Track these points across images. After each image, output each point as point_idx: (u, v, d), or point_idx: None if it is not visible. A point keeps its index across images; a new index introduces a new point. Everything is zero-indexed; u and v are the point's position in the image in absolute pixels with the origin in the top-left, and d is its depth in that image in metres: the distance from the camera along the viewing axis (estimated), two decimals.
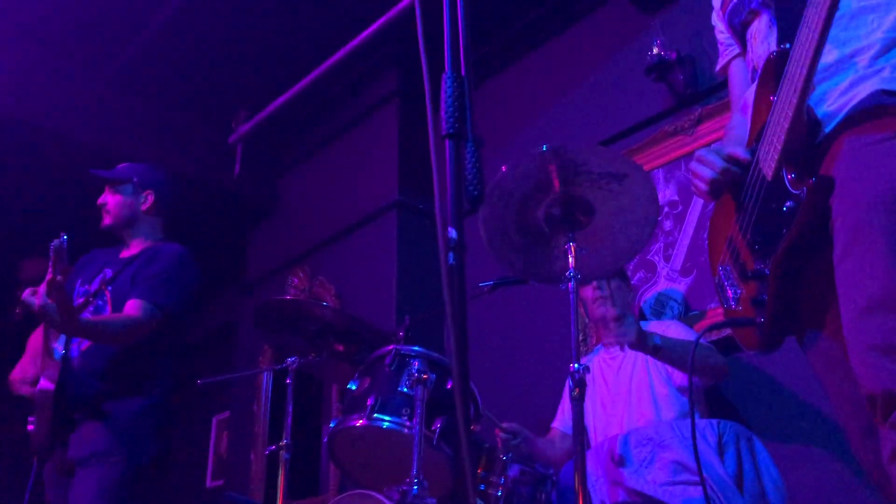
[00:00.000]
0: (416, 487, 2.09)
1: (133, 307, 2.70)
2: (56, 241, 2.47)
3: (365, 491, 2.02)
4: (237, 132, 5.00)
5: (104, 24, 4.43)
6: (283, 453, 2.63)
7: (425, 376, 2.28)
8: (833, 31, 1.31)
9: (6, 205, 5.35)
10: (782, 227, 1.47)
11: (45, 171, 5.02)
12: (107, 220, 3.02)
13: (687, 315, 3.23)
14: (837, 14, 1.29)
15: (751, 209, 1.58)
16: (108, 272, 2.93)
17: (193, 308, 2.91)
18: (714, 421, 2.16)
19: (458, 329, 1.11)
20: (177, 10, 4.30)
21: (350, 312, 2.72)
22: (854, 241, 1.26)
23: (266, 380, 5.07)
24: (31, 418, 2.67)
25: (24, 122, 4.58)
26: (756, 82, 1.59)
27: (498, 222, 2.18)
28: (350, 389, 2.47)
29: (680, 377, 2.62)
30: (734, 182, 1.63)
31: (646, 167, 3.39)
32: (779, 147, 1.47)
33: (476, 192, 1.18)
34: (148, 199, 3.01)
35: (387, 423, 2.28)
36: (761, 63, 1.56)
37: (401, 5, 4.05)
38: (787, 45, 1.43)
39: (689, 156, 3.34)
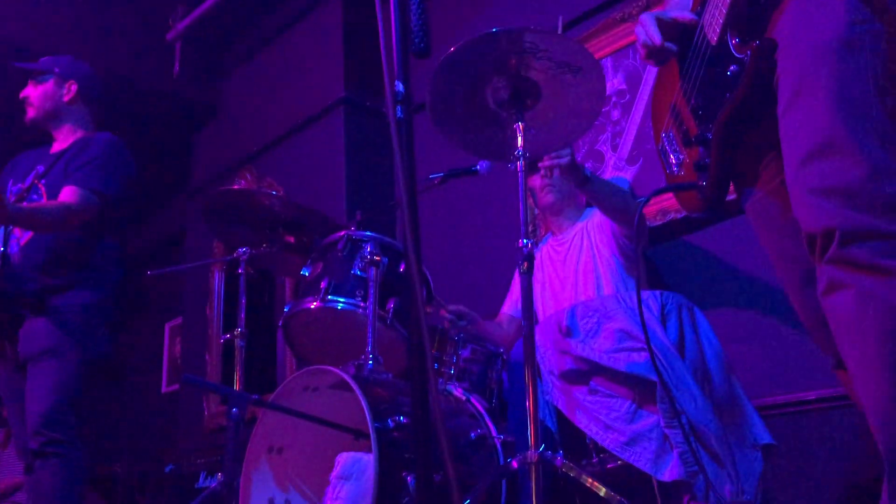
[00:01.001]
0: (371, 363, 2.14)
1: (68, 194, 2.66)
2: None
3: (322, 367, 2.07)
4: (175, 29, 4.81)
5: None
6: (237, 341, 2.66)
7: (378, 258, 2.31)
8: None
9: None
10: (726, 91, 1.50)
11: None
12: (30, 113, 2.96)
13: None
14: None
15: (695, 75, 1.60)
16: (41, 168, 2.87)
17: (131, 195, 2.87)
18: (657, 292, 2.24)
19: (409, 185, 1.12)
20: None
21: (299, 202, 2.70)
22: (798, 91, 1.29)
23: (218, 281, 5.06)
24: None
25: None
26: None
27: (446, 95, 2.17)
28: (303, 275, 2.49)
29: (622, 244, 2.70)
30: (679, 48, 1.64)
31: (595, 56, 3.38)
32: (724, 10, 1.48)
33: (422, 45, 1.17)
34: (71, 90, 2.95)
35: (341, 305, 2.32)
36: None
37: None
38: None
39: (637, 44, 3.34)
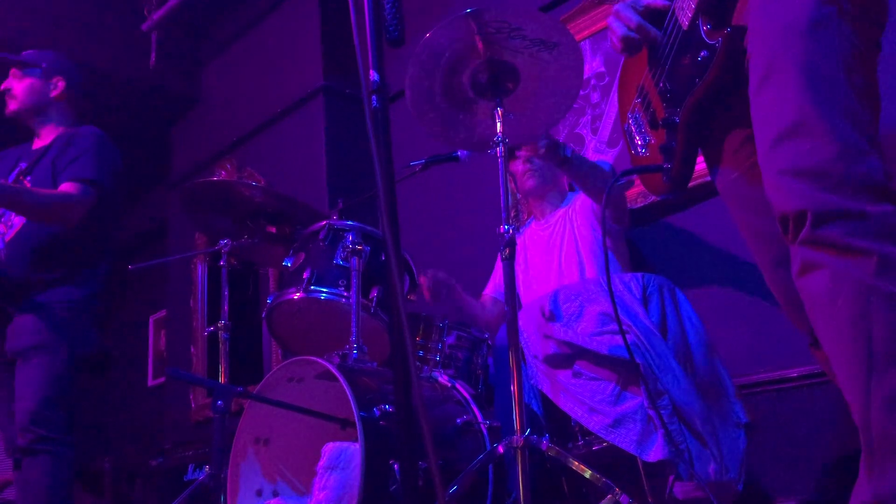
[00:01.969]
0: (355, 352, 2.15)
1: (67, 187, 2.65)
2: None
3: (306, 357, 2.07)
4: (150, 19, 4.75)
5: None
6: (221, 334, 2.65)
7: (360, 247, 2.31)
8: None
9: None
10: (695, 76, 1.50)
11: None
12: (12, 106, 2.92)
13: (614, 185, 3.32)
14: None
15: (665, 58, 1.60)
16: (23, 164, 2.85)
17: (121, 189, 2.86)
18: (639, 274, 2.25)
19: (386, 176, 1.12)
20: None
21: (280, 192, 2.69)
22: (768, 72, 1.29)
23: (201, 274, 5.04)
24: None
25: None
26: None
27: (425, 93, 2.16)
28: (285, 266, 2.48)
29: (602, 235, 2.72)
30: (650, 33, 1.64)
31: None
32: None
33: (396, 33, 1.17)
34: (58, 86, 2.92)
35: (324, 295, 2.32)
36: None
37: None
38: None
39: None
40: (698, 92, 1.49)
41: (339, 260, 2.35)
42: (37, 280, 2.66)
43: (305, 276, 2.33)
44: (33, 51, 3.00)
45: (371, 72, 1.15)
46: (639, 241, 3.12)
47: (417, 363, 2.44)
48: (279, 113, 4.68)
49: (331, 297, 2.31)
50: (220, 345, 2.65)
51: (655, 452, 1.96)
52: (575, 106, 3.42)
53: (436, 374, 2.37)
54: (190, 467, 3.73)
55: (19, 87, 2.89)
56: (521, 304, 2.76)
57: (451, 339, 2.53)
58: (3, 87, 2.91)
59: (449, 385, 2.31)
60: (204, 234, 4.69)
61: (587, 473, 1.83)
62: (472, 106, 2.23)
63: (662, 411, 1.96)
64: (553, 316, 2.16)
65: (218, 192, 2.69)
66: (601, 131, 3.44)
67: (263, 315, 2.46)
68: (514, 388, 1.86)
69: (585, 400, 2.07)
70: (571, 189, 3.26)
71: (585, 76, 3.42)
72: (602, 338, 2.09)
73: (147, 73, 4.91)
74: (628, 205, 3.10)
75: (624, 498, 1.76)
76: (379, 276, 2.38)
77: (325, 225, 2.43)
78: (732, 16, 1.45)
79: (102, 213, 2.75)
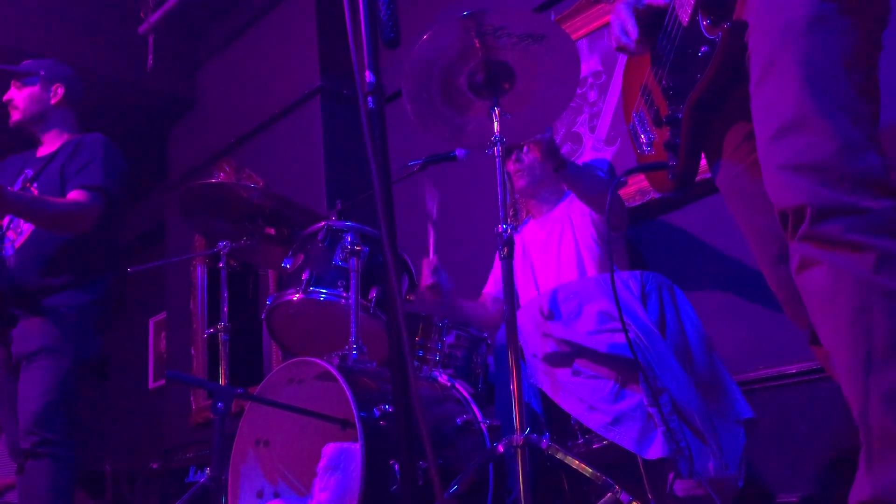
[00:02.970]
0: (355, 353, 2.15)
1: (78, 195, 2.67)
2: None
3: (306, 358, 2.07)
4: (147, 22, 4.75)
5: None
6: (221, 335, 2.65)
7: (358, 248, 2.31)
8: None
9: None
10: (696, 72, 1.50)
11: None
12: (15, 116, 2.95)
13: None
14: None
15: (666, 55, 1.60)
16: (29, 171, 2.87)
17: (127, 196, 2.88)
18: (637, 272, 2.25)
19: (382, 178, 1.12)
20: None
21: (278, 193, 2.69)
22: (769, 68, 1.29)
23: (200, 276, 5.04)
24: None
25: None
26: None
27: (423, 95, 2.17)
28: (284, 267, 2.48)
29: (601, 228, 2.72)
30: (651, 30, 1.64)
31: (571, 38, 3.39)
32: None
33: (392, 35, 1.17)
34: (58, 93, 2.96)
35: (324, 296, 2.32)
36: None
37: None
38: None
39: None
40: (700, 88, 1.49)
41: (338, 261, 2.35)
42: (46, 285, 2.69)
43: (304, 277, 2.33)
44: (31, 60, 3.04)
45: (367, 73, 1.16)
46: (636, 238, 3.12)
47: (417, 363, 2.44)
48: (277, 114, 4.68)
49: (330, 297, 2.31)
50: (220, 346, 2.66)
51: (655, 450, 1.96)
52: (572, 105, 3.42)
53: (435, 373, 2.38)
54: (191, 469, 3.74)
55: (20, 97, 2.93)
56: (522, 303, 2.77)
57: (450, 339, 2.54)
58: (4, 98, 2.95)
59: (448, 384, 2.31)
60: (203, 237, 4.69)
61: (587, 472, 1.83)
62: (472, 107, 2.23)
63: (662, 409, 1.96)
64: (552, 314, 2.16)
65: (215, 194, 2.69)
66: (599, 129, 3.44)
67: (263, 316, 2.46)
68: (513, 386, 1.86)
69: (585, 398, 2.07)
70: None
71: (583, 75, 3.43)
72: (601, 336, 2.09)
73: (144, 75, 4.91)
74: (626, 203, 3.11)
75: (624, 496, 1.77)
76: (378, 276, 2.39)
77: (323, 226, 2.43)
78: (733, 11, 1.45)
79: (109, 218, 2.77)
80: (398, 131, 3.08)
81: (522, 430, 1.84)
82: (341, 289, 2.31)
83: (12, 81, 2.97)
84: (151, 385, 6.04)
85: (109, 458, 5.14)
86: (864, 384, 1.14)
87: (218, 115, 5.21)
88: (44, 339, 2.63)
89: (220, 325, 2.66)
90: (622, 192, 3.13)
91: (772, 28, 1.31)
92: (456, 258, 3.77)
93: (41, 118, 2.94)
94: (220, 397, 1.96)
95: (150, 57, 4.73)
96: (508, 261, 2.01)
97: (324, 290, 2.32)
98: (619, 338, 2.07)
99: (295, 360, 2.12)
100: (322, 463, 1.99)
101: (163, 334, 5.85)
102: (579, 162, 3.46)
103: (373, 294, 2.34)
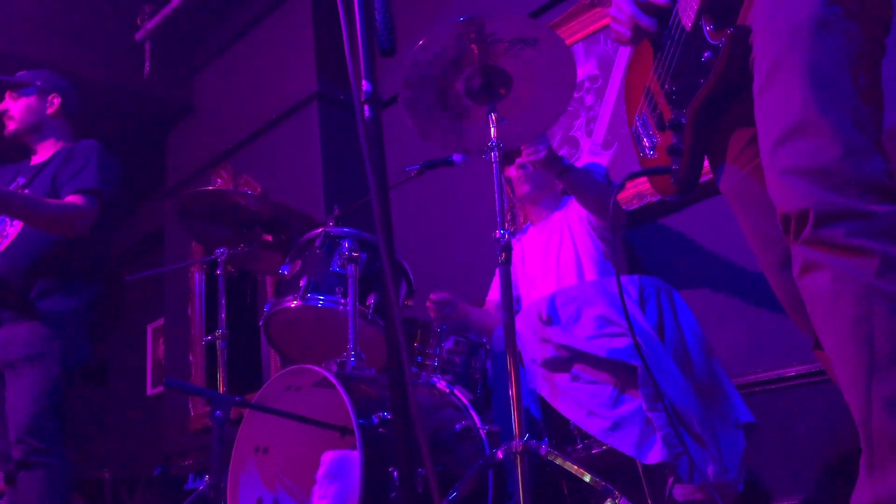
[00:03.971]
0: (353, 359, 2.14)
1: (74, 199, 2.67)
2: None
3: (304, 366, 2.06)
4: (144, 28, 4.75)
5: None
6: (219, 343, 2.65)
7: (356, 254, 2.31)
8: None
9: None
10: (700, 77, 1.50)
11: None
12: (11, 127, 2.96)
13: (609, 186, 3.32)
14: None
15: (669, 59, 1.60)
16: (21, 179, 2.87)
17: (121, 200, 2.87)
18: (635, 277, 2.25)
19: (379, 188, 1.12)
20: None
21: (275, 200, 2.69)
22: (773, 71, 1.29)
23: (198, 282, 5.03)
24: None
25: None
26: None
27: (420, 102, 2.17)
28: (282, 274, 2.48)
29: (599, 233, 2.72)
30: (653, 30, 1.64)
31: (566, 42, 3.39)
32: None
33: (388, 43, 1.17)
34: (54, 103, 2.97)
35: (322, 302, 2.32)
36: None
37: None
38: None
39: (608, 28, 3.34)
40: (703, 93, 1.48)
41: (336, 267, 2.35)
42: (32, 289, 2.66)
43: (302, 283, 2.33)
44: (27, 71, 3.04)
45: (363, 82, 1.15)
46: (635, 242, 3.12)
47: (415, 369, 2.43)
48: (274, 119, 4.68)
49: (328, 304, 2.31)
50: (218, 354, 2.65)
51: (654, 455, 1.96)
52: (569, 109, 3.42)
53: (434, 379, 2.37)
54: (190, 476, 3.72)
55: (16, 107, 2.93)
56: (522, 308, 2.76)
57: (448, 344, 2.53)
58: (0, 108, 2.94)
59: (447, 390, 2.30)
60: (200, 244, 4.69)
61: (586, 477, 1.83)
62: (469, 112, 2.24)
63: (661, 414, 1.96)
64: (550, 319, 2.16)
65: (213, 201, 2.69)
66: (595, 133, 3.44)
67: (261, 323, 2.45)
68: (512, 392, 1.85)
69: (584, 403, 2.07)
70: (566, 192, 3.27)
71: (579, 79, 3.43)
72: (600, 341, 2.08)
73: (141, 81, 4.92)
74: (623, 207, 3.11)
75: (623, 501, 1.76)
76: (376, 282, 2.38)
77: (321, 232, 2.43)
78: (737, 16, 1.44)
79: (100, 222, 2.75)
80: (396, 136, 3.08)
81: (521, 436, 1.84)
82: (339, 295, 2.31)
83: (7, 92, 2.97)
84: (150, 391, 6.02)
85: (108, 464, 5.13)
86: (866, 390, 1.14)
87: (215, 120, 5.20)
88: (29, 346, 2.60)
89: (218, 333, 2.66)
90: (619, 196, 3.13)
91: (776, 32, 1.31)
92: (453, 264, 3.78)
93: (37, 128, 2.95)
94: (218, 405, 1.96)
95: (147, 63, 4.73)
96: (506, 266, 2.01)
97: (322, 297, 2.32)
98: (618, 342, 2.07)
99: (293, 367, 2.11)
100: (321, 471, 1.98)
101: (161, 340, 5.84)
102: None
103: (371, 300, 2.34)
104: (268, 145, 4.74)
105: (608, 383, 2.07)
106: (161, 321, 5.75)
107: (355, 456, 1.86)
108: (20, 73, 3.02)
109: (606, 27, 3.40)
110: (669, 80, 1.60)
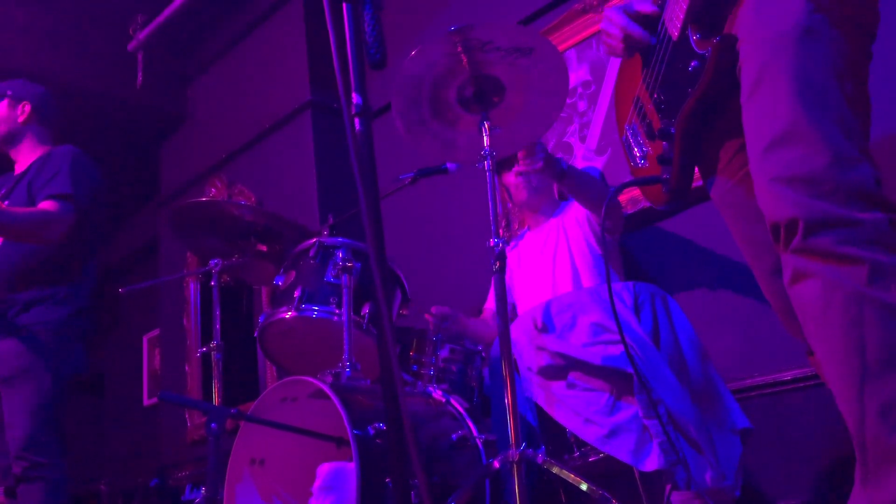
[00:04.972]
0: (348, 370, 2.14)
1: (46, 205, 2.64)
2: None
3: (299, 377, 2.06)
4: (136, 39, 4.75)
5: None
6: (214, 354, 2.64)
7: (350, 264, 2.30)
8: None
9: None
10: (687, 87, 1.50)
11: None
12: None
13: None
14: None
15: (657, 69, 1.60)
16: (2, 190, 2.85)
17: (101, 205, 2.84)
18: (629, 283, 2.25)
19: (370, 202, 1.12)
20: None
21: (269, 210, 2.68)
22: (760, 80, 1.29)
23: (193, 292, 5.02)
24: None
25: None
26: None
27: (413, 110, 2.18)
28: (276, 285, 2.47)
29: (595, 243, 2.72)
30: (646, 41, 1.64)
31: (559, 48, 3.39)
32: (684, 6, 1.49)
33: (378, 56, 1.17)
34: (25, 109, 2.96)
35: (316, 313, 2.31)
36: None
37: None
38: None
39: (600, 34, 3.34)
40: (691, 102, 1.49)
41: (330, 277, 2.34)
42: (18, 301, 2.64)
43: (297, 294, 2.33)
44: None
45: (354, 94, 1.15)
46: (630, 246, 3.12)
47: (410, 378, 2.43)
48: (267, 129, 4.68)
49: (322, 315, 2.31)
50: (213, 365, 2.64)
51: (651, 462, 1.96)
52: (563, 115, 3.43)
53: (430, 389, 2.36)
54: (187, 488, 3.71)
55: None
56: (518, 314, 2.76)
57: (444, 353, 2.53)
58: None
59: (443, 400, 2.30)
60: (195, 255, 4.68)
61: (584, 485, 1.83)
62: (462, 121, 2.24)
63: (657, 421, 1.95)
64: (546, 327, 2.16)
65: (207, 212, 2.69)
66: (589, 139, 3.45)
67: (256, 334, 2.45)
68: (508, 400, 1.85)
69: (580, 411, 2.07)
70: (563, 198, 3.27)
71: (572, 85, 3.43)
72: (595, 348, 2.08)
73: (134, 92, 4.91)
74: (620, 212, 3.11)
75: None
76: (370, 292, 2.38)
77: (315, 242, 2.42)
78: (723, 25, 1.45)
79: (81, 228, 2.72)
80: (389, 144, 3.08)
81: (518, 445, 1.83)
82: (333, 306, 2.30)
83: None
84: (146, 402, 6.00)
85: (105, 476, 5.11)
86: (859, 398, 1.14)
87: (209, 130, 5.20)
88: (20, 360, 2.58)
89: (213, 344, 2.65)
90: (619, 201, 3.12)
91: (763, 40, 1.31)
92: (448, 273, 3.77)
93: (11, 138, 2.94)
94: (213, 417, 1.95)
95: (140, 74, 4.73)
96: (500, 275, 2.01)
97: (316, 308, 2.31)
98: (614, 350, 2.07)
99: (289, 378, 2.11)
100: (317, 483, 1.98)
101: (157, 351, 5.82)
102: None
103: (365, 310, 2.34)
104: (261, 155, 4.74)
105: (604, 391, 2.07)
106: (157, 331, 5.74)
107: (351, 468, 1.86)
108: None
109: (598, 33, 3.40)
110: (658, 89, 1.60)
